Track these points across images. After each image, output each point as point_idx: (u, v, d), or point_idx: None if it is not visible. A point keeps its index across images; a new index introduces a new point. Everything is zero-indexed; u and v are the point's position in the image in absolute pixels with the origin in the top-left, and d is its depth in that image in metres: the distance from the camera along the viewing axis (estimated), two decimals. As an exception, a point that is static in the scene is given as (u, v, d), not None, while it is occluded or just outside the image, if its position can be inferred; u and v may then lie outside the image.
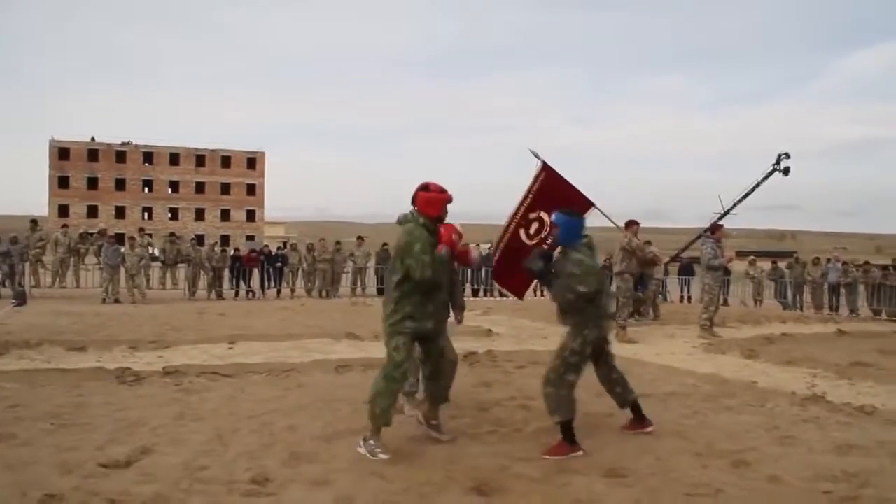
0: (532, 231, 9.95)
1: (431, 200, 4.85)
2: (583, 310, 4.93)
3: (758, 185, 30.40)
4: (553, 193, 9.88)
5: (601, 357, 5.22)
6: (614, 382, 5.32)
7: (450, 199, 4.91)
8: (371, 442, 4.70)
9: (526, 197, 10.02)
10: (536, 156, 10.11)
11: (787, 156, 30.20)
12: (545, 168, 10.10)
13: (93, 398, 6.16)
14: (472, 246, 5.28)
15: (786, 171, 30.28)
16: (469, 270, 19.64)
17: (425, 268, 4.66)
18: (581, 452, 4.73)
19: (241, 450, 4.75)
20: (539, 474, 4.36)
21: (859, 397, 6.88)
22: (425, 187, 4.89)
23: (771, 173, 30.47)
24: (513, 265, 9.51)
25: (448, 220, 4.94)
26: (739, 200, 30.35)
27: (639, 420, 5.38)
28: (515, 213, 9.99)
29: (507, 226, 9.97)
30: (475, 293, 20.18)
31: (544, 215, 9.92)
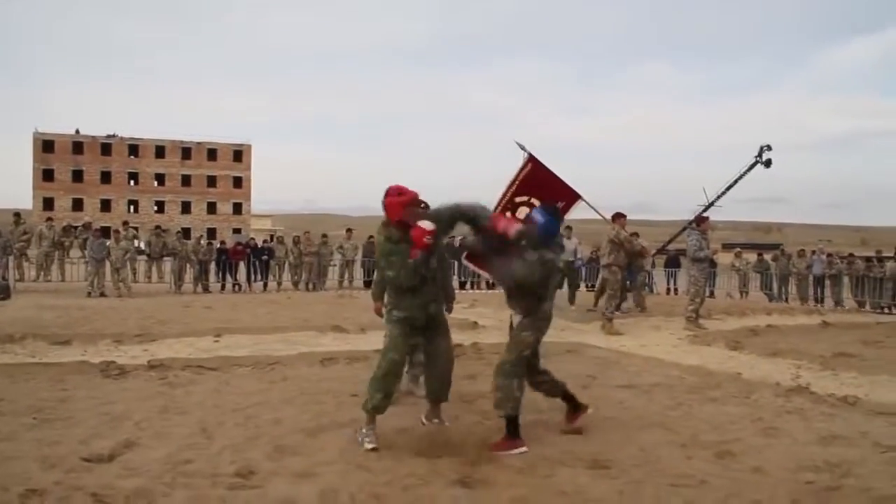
0: (521, 216, 10.00)
1: (389, 206, 4.83)
2: (538, 303, 4.88)
3: (741, 177, 30.58)
4: (541, 183, 9.93)
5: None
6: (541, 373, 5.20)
7: (408, 201, 4.80)
8: (363, 430, 4.75)
9: (511, 184, 10.07)
10: (522, 148, 10.15)
11: (769, 148, 30.43)
12: (531, 160, 10.13)
13: (77, 392, 6.13)
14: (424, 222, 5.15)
15: (767, 163, 30.49)
16: (456, 263, 19.64)
17: (391, 279, 4.81)
18: (525, 449, 4.66)
19: (226, 443, 4.74)
20: (523, 466, 4.37)
21: (843, 388, 6.93)
22: (386, 193, 4.87)
23: (753, 165, 30.65)
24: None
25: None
26: (723, 192, 30.43)
27: (574, 410, 5.23)
28: (501, 199, 10.02)
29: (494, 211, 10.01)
30: (462, 286, 20.15)
31: (535, 202, 9.99)
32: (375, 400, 4.75)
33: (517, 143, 10.20)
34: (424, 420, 5.22)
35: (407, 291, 4.83)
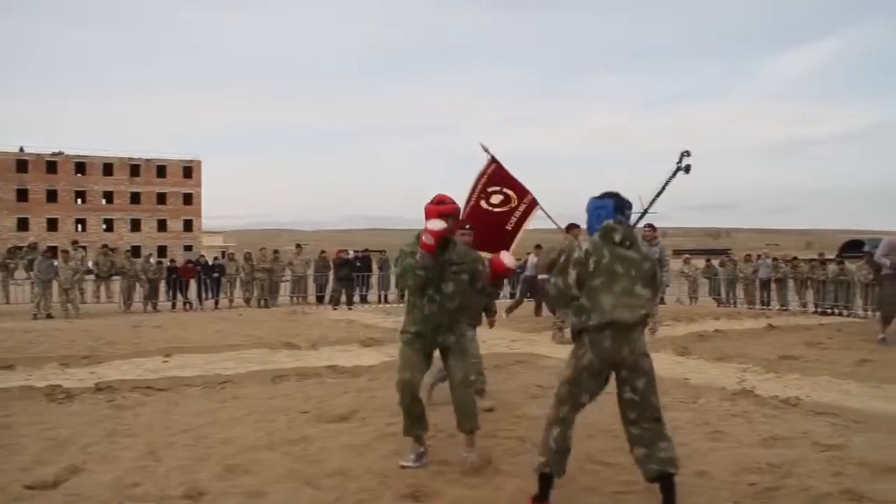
0: (495, 201, 10.04)
1: (426, 212, 4.77)
2: (577, 320, 3.92)
3: (666, 183, 31.35)
4: (506, 180, 10.02)
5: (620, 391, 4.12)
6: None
7: (444, 211, 4.70)
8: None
9: (478, 181, 10.09)
10: (486, 150, 10.15)
11: (688, 154, 31.40)
12: (493, 162, 10.16)
13: (20, 418, 6.00)
14: (503, 253, 4.97)
15: (687, 169, 31.37)
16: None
17: (398, 277, 4.89)
18: None
19: (175, 464, 4.69)
20: (474, 478, 4.41)
21: (786, 390, 7.11)
22: (430, 200, 4.85)
23: (676, 172, 31.44)
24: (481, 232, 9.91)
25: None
26: (653, 201, 31.13)
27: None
28: (472, 192, 10.02)
29: (467, 204, 10.01)
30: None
31: (508, 191, 10.03)
32: (405, 425, 4.75)
33: (481, 145, 10.17)
34: (463, 453, 4.78)
35: (415, 306, 4.73)
